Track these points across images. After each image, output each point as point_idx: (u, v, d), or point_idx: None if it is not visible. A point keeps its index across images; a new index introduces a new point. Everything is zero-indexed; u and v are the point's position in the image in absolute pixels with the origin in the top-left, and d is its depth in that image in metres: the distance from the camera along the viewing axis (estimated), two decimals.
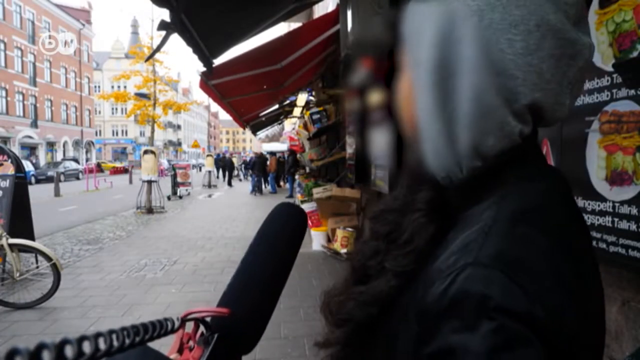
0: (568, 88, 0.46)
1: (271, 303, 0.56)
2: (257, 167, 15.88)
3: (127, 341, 0.35)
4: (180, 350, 0.47)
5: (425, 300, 0.41)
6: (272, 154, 19.28)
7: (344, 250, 5.49)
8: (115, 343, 0.33)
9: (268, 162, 17.04)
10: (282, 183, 17.91)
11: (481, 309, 0.37)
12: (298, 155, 14.49)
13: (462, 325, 0.37)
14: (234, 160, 25.56)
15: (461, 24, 0.44)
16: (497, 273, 0.38)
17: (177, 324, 0.44)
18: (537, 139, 0.50)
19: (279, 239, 0.59)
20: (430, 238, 0.49)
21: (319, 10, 9.20)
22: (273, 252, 0.58)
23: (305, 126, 10.67)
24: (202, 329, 0.49)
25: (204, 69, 4.35)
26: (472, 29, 0.43)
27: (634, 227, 1.19)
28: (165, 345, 0.48)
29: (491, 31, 0.43)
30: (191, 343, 0.48)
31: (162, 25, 2.76)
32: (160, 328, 0.40)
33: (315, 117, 8.78)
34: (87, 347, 0.29)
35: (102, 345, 0.31)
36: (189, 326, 0.48)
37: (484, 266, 0.39)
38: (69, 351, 0.27)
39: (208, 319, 0.49)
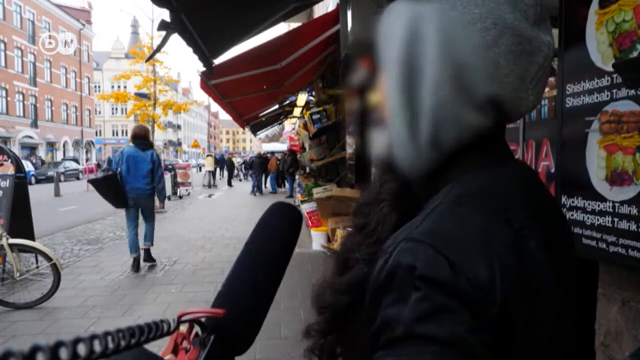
0: (531, 84, 0.48)
1: (266, 303, 0.56)
2: (257, 167, 15.87)
3: (123, 343, 0.34)
4: (175, 351, 0.46)
5: (371, 279, 0.44)
6: (272, 154, 19.28)
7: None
8: (111, 345, 0.33)
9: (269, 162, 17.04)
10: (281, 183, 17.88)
11: (408, 278, 0.39)
12: (298, 156, 14.49)
13: (395, 297, 0.40)
14: (234, 160, 25.54)
15: (425, 23, 0.47)
16: (424, 245, 0.40)
17: (172, 325, 0.43)
18: (502, 132, 0.53)
19: (273, 239, 0.59)
20: (393, 227, 0.51)
21: (319, 10, 9.20)
22: (267, 252, 0.58)
23: (305, 126, 10.67)
24: (196, 329, 0.49)
25: (204, 69, 4.35)
26: (435, 26, 0.46)
27: (634, 227, 1.18)
28: (160, 346, 0.48)
29: (451, 28, 0.46)
30: (185, 344, 0.47)
31: (162, 26, 2.75)
32: (156, 330, 0.40)
33: (315, 117, 8.78)
34: (82, 349, 0.29)
35: (97, 347, 0.31)
36: (183, 326, 0.47)
37: (414, 240, 0.41)
38: (63, 353, 0.27)
39: (203, 320, 0.49)
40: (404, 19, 0.49)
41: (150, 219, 5.35)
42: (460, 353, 0.36)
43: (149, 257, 5.38)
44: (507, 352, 0.39)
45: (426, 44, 0.46)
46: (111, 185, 4.87)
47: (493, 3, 0.45)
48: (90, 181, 5.07)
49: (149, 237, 5.38)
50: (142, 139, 5.09)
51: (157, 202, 5.36)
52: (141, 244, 5.26)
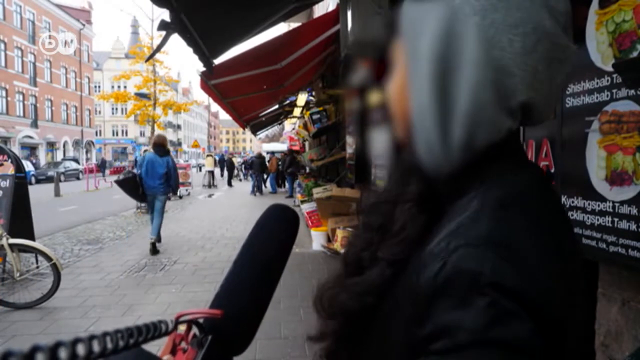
0: (557, 90, 0.49)
1: (263, 304, 0.56)
2: (257, 167, 15.87)
3: (121, 343, 0.35)
4: (173, 352, 0.47)
5: (418, 283, 0.43)
6: (272, 154, 19.28)
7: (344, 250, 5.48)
8: (109, 345, 0.33)
9: (268, 163, 17.03)
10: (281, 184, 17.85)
11: (474, 285, 0.39)
12: (298, 156, 14.48)
13: (455, 303, 0.39)
14: (234, 160, 25.52)
15: (464, 21, 0.45)
16: (488, 252, 0.40)
17: (171, 326, 0.44)
18: (519, 135, 0.53)
19: (270, 241, 0.59)
20: (421, 227, 0.51)
21: (319, 10, 9.20)
22: (264, 253, 0.58)
23: (305, 126, 10.67)
24: (194, 330, 0.49)
25: (204, 69, 4.35)
26: (475, 26, 0.45)
27: (634, 227, 1.18)
28: (158, 346, 0.48)
29: (493, 30, 0.45)
30: (184, 344, 0.47)
31: (162, 26, 2.76)
32: (154, 330, 0.40)
33: (315, 117, 8.79)
34: (80, 349, 0.30)
35: (95, 347, 0.31)
36: (182, 327, 0.48)
37: (475, 246, 0.41)
38: (62, 353, 0.28)
39: (201, 321, 0.49)
40: (437, 12, 0.47)
41: (159, 215, 6.38)
42: (526, 357, 0.36)
43: (154, 250, 6.15)
44: (561, 355, 0.40)
45: (465, 44, 0.45)
46: (130, 185, 6.24)
47: (533, 8, 0.45)
48: (116, 182, 6.62)
49: (155, 231, 6.34)
50: (160, 146, 6.39)
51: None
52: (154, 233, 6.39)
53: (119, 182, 6.45)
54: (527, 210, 0.45)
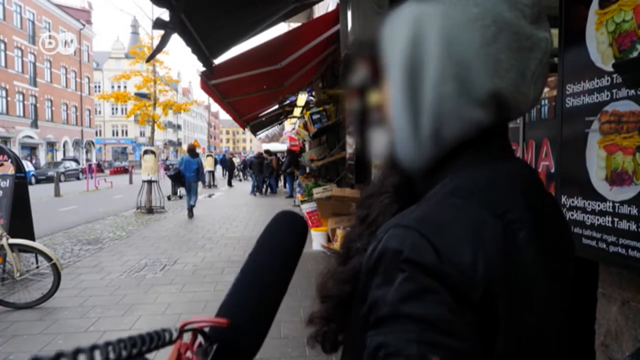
0: (532, 80, 0.50)
1: (271, 313, 0.55)
2: (256, 167, 15.85)
3: (124, 353, 0.34)
4: None
5: (363, 264, 0.46)
6: (274, 154, 19.26)
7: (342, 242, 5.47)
8: (112, 355, 0.33)
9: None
10: (280, 184, 17.82)
11: (395, 261, 0.42)
12: (300, 156, 14.44)
13: (382, 279, 0.42)
14: (234, 160, 25.48)
15: (427, 23, 0.49)
16: (412, 232, 0.42)
17: (174, 334, 0.42)
18: (504, 131, 0.54)
19: (279, 249, 0.58)
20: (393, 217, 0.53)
21: (319, 10, 9.19)
22: (273, 262, 0.57)
23: (305, 126, 10.67)
24: (200, 339, 0.48)
25: (204, 69, 4.35)
26: (436, 26, 0.48)
27: (634, 227, 1.18)
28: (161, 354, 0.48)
29: (453, 28, 0.48)
30: (189, 354, 0.46)
31: (159, 24, 2.75)
32: (157, 339, 0.39)
33: (315, 117, 8.77)
34: (82, 359, 0.29)
35: (97, 357, 0.31)
36: (187, 336, 0.47)
37: (403, 227, 0.44)
38: None
39: (207, 329, 0.48)
40: (407, 21, 0.51)
41: (194, 194, 10.05)
42: (442, 331, 0.38)
43: (191, 214, 9.91)
44: (494, 335, 0.41)
45: (429, 44, 0.48)
46: (177, 176, 10.42)
47: (491, 2, 0.47)
48: (167, 175, 11.90)
49: (194, 202, 10.05)
50: (191, 151, 10.13)
51: (200, 185, 10.21)
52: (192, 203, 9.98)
53: (170, 176, 11.19)
54: (475, 197, 0.46)
